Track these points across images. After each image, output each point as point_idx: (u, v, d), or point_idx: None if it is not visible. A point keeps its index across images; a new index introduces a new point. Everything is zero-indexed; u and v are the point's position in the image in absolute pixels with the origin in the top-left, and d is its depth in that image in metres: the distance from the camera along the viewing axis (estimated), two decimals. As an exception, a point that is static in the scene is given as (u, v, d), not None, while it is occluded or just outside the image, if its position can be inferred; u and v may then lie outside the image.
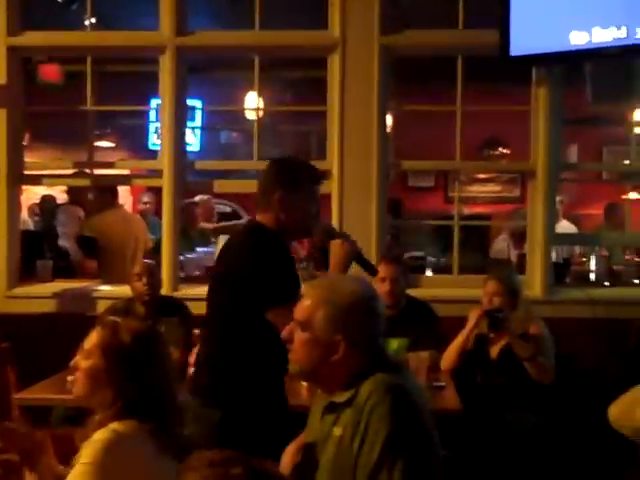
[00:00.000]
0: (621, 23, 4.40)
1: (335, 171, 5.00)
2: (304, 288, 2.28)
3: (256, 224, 2.94)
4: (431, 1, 5.63)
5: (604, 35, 4.45)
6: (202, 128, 8.01)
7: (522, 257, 5.61)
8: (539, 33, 4.61)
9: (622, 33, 4.41)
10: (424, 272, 5.82)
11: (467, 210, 7.04)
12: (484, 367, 4.25)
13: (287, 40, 5.14)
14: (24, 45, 5.19)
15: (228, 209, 7.94)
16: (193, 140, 7.82)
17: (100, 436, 2.10)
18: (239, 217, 7.42)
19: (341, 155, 4.99)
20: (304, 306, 2.14)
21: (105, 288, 5.26)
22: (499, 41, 4.66)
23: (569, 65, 5.00)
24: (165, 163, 5.10)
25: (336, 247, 2.91)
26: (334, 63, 5.01)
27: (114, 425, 2.13)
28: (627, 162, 5.74)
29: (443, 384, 3.96)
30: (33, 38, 5.20)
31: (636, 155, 5.43)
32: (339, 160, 5.00)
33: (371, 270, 3.02)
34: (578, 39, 4.50)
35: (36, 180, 5.52)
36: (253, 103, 5.98)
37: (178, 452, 2.06)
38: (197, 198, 6.87)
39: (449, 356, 4.22)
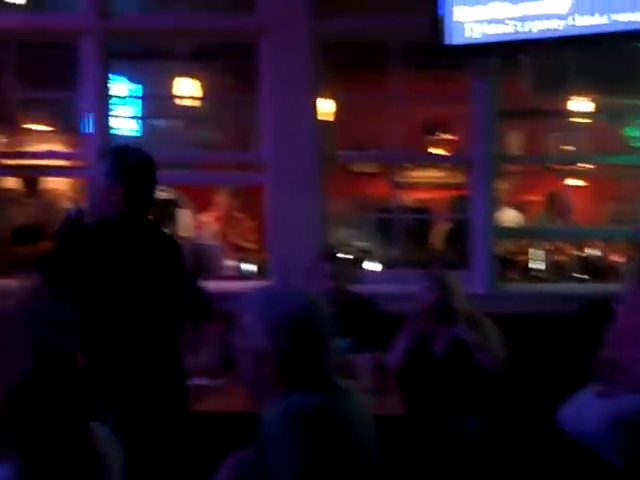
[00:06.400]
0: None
1: (270, 161, 4.82)
2: None
3: None
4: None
5: (542, 25, 4.30)
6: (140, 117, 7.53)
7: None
8: (475, 22, 4.40)
9: (560, 24, 4.26)
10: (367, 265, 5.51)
11: (410, 196, 6.89)
12: (428, 366, 4.04)
13: (213, 24, 4.86)
14: None
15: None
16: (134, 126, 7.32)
17: None
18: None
19: (275, 144, 4.79)
20: None
21: None
22: (432, 29, 4.44)
23: (507, 56, 4.79)
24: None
25: None
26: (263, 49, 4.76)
27: None
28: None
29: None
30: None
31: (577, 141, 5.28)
32: (274, 149, 4.80)
33: None
34: (516, 29, 4.34)
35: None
36: (185, 90, 5.73)
37: None
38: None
39: (395, 356, 4.02)
